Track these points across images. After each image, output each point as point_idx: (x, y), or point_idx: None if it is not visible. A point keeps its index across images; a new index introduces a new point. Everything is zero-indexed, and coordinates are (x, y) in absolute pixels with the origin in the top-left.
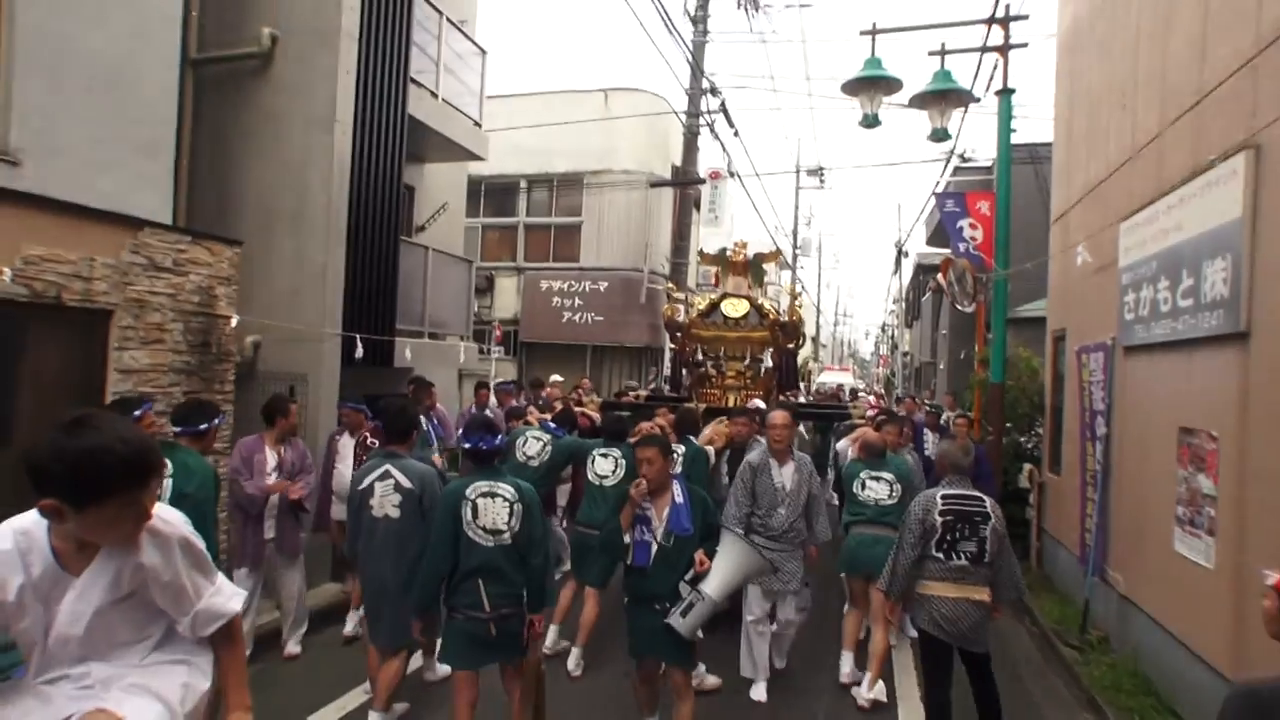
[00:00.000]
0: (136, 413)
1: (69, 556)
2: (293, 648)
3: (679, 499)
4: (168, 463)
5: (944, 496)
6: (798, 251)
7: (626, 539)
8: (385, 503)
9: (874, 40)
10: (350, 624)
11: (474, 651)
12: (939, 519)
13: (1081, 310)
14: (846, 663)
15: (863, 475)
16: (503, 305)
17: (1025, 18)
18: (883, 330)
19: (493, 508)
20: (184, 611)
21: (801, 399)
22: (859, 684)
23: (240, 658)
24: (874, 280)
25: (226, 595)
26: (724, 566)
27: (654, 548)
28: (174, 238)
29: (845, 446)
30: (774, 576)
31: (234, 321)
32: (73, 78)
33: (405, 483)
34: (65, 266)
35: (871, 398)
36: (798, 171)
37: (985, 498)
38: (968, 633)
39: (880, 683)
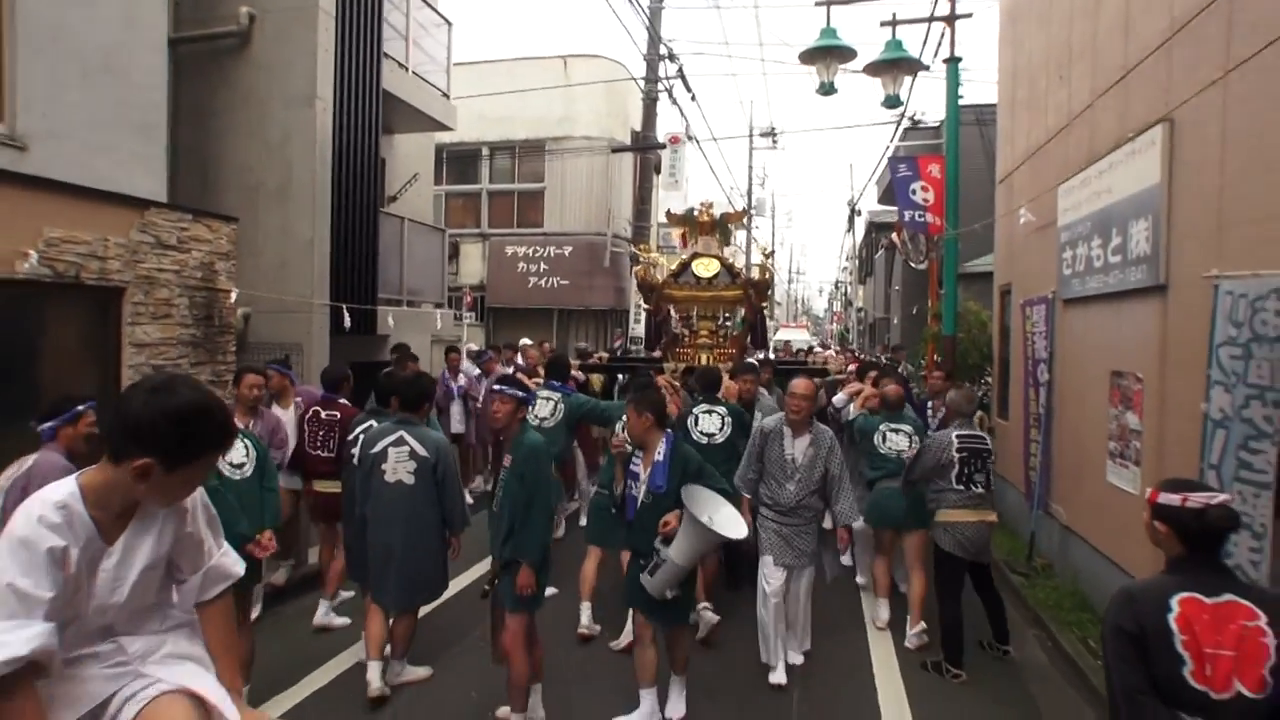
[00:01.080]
0: (80, 407)
1: (107, 525)
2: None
3: (659, 456)
4: None
5: (959, 436)
6: (753, 211)
7: (618, 491)
8: (400, 469)
9: (829, 10)
10: (321, 612)
11: None
12: (956, 455)
13: (1025, 266)
14: (884, 609)
15: (883, 428)
16: (468, 271)
17: None
18: (836, 287)
19: None
20: (197, 567)
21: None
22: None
23: (232, 631)
24: (827, 237)
25: (233, 558)
26: (682, 534)
27: (638, 503)
28: (177, 216)
29: (844, 400)
30: (787, 549)
31: (234, 295)
32: (70, 64)
33: (421, 450)
34: (82, 247)
35: (832, 353)
36: (751, 134)
37: (986, 435)
38: (983, 549)
39: (923, 622)
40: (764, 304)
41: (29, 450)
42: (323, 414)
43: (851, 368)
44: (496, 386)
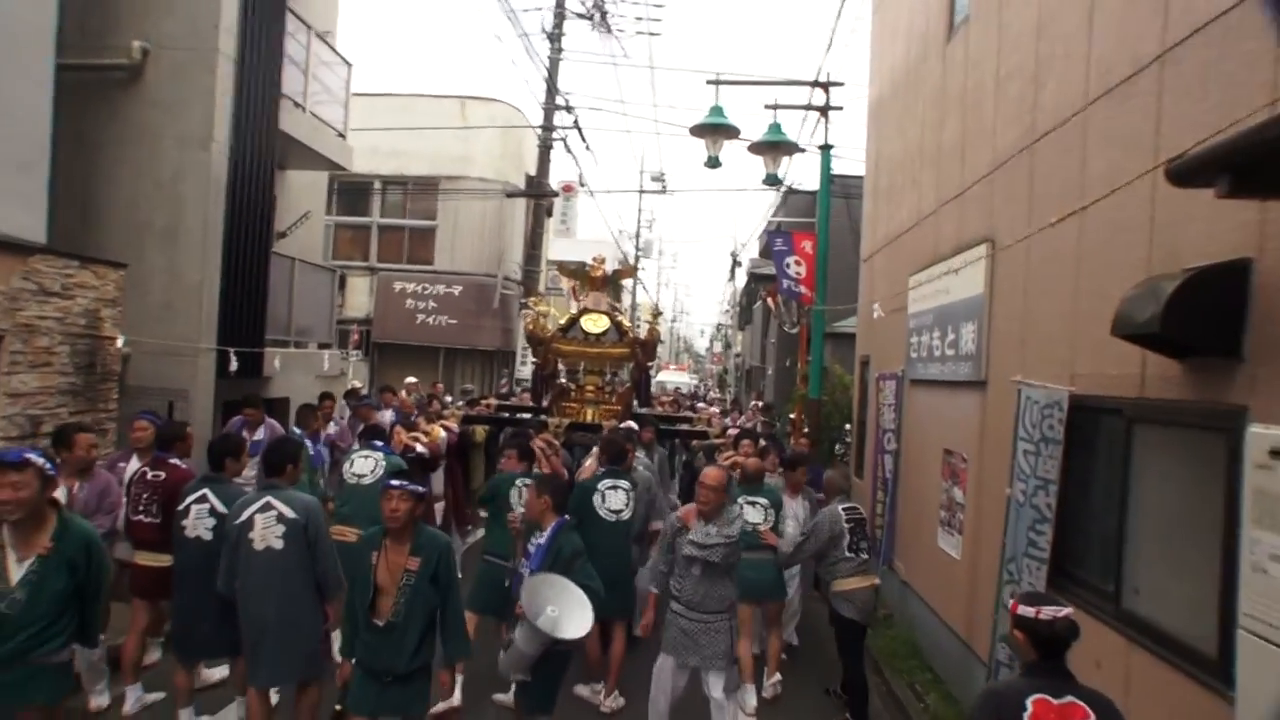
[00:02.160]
0: None
1: None
2: (98, 700)
3: (541, 540)
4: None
5: (845, 509)
6: (640, 253)
7: (512, 565)
8: (268, 534)
9: (717, 90)
10: (131, 701)
11: None
12: (845, 527)
13: (882, 342)
14: (750, 695)
15: (740, 500)
16: (354, 304)
17: (841, 84)
18: (717, 329)
19: None
20: None
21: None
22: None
23: None
24: (710, 278)
25: None
26: (520, 627)
27: (523, 580)
28: (62, 263)
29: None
30: (692, 648)
31: (120, 342)
32: None
33: (289, 513)
34: None
35: (715, 410)
36: (641, 177)
37: (859, 505)
38: (873, 610)
39: (778, 674)
40: (650, 363)
41: None
42: (149, 475)
43: (732, 432)
44: (393, 483)
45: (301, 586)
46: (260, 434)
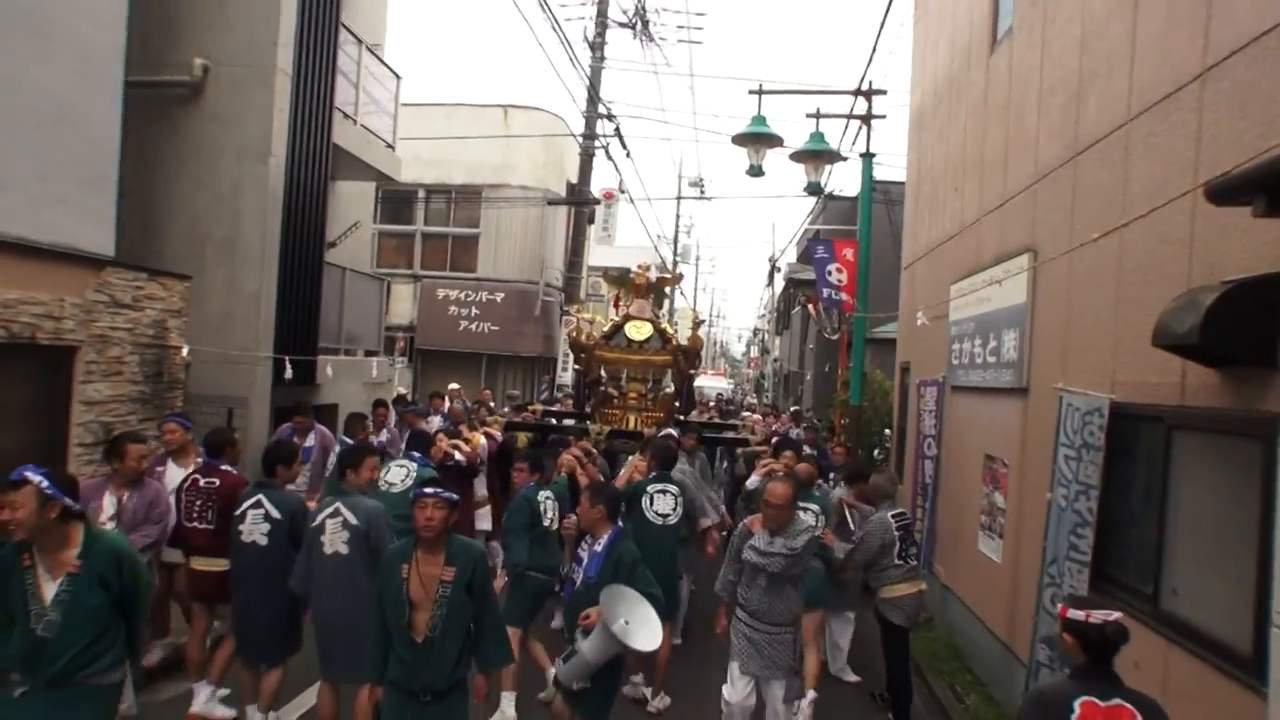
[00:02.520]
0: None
1: None
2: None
3: (599, 548)
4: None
5: (894, 516)
6: (678, 259)
7: (563, 571)
8: (335, 539)
9: (760, 99)
10: (202, 699)
11: None
12: (895, 535)
13: (922, 349)
14: (809, 705)
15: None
16: (399, 312)
17: (884, 92)
18: (754, 334)
19: None
20: None
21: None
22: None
23: None
24: (748, 282)
25: None
26: (595, 632)
27: (575, 587)
28: (132, 275)
29: (757, 482)
30: (755, 656)
31: (185, 351)
32: (22, 116)
33: (353, 520)
34: (38, 307)
35: (758, 418)
36: (680, 183)
37: (905, 511)
38: (919, 616)
39: (813, 691)
40: (692, 370)
41: None
42: (201, 482)
43: (775, 440)
44: (426, 490)
45: (364, 590)
46: (310, 440)
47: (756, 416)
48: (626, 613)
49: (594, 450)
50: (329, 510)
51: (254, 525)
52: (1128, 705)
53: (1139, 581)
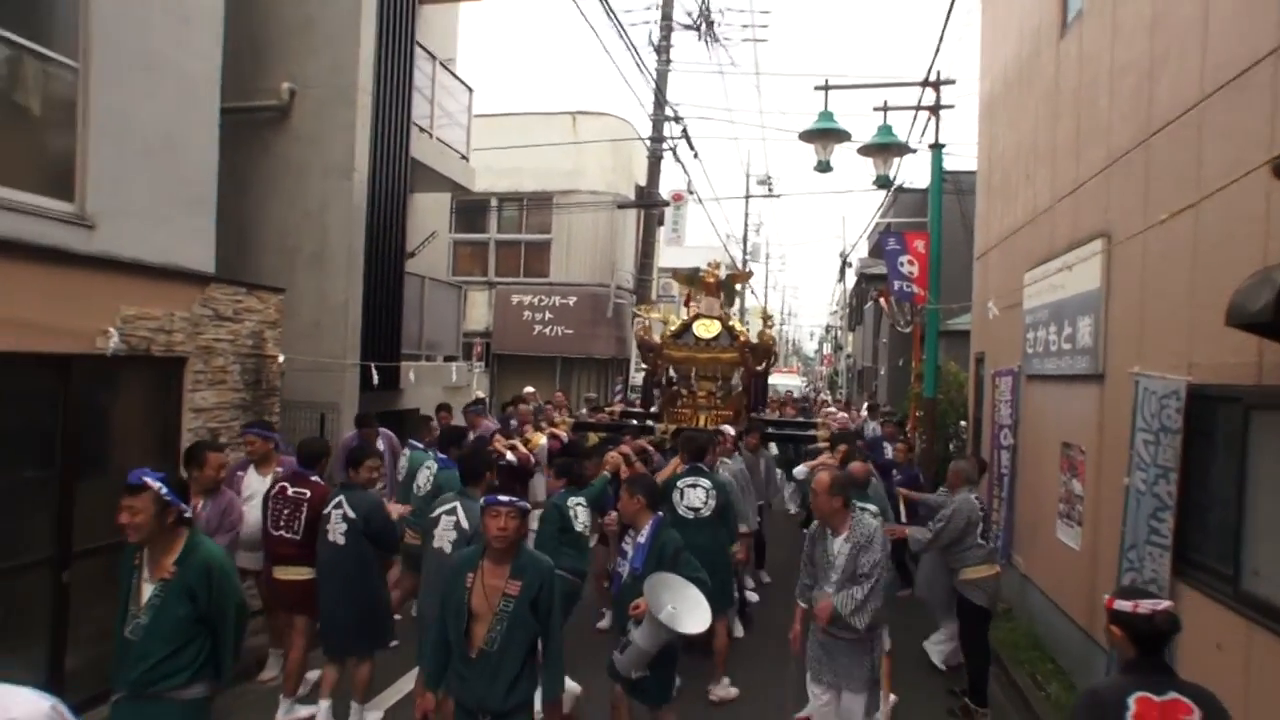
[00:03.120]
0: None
1: None
2: None
3: (642, 538)
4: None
5: (976, 498)
6: (748, 257)
7: (609, 567)
8: (335, 530)
9: (826, 95)
10: (282, 711)
11: None
12: (980, 515)
13: (997, 339)
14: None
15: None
16: (474, 318)
17: (953, 82)
18: (827, 331)
19: None
20: None
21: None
22: None
23: None
24: (818, 280)
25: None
26: (645, 621)
27: (623, 580)
28: (233, 290)
29: (804, 472)
30: (826, 664)
31: (280, 359)
32: (133, 144)
33: (350, 513)
34: (152, 322)
35: (839, 413)
36: (748, 181)
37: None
38: (997, 600)
39: (892, 695)
40: (760, 367)
41: (108, 507)
42: (290, 491)
43: (832, 436)
44: (501, 499)
45: (356, 577)
46: (380, 445)
47: (843, 415)
48: (672, 599)
49: (649, 449)
50: (333, 502)
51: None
52: (1184, 699)
53: (1220, 564)
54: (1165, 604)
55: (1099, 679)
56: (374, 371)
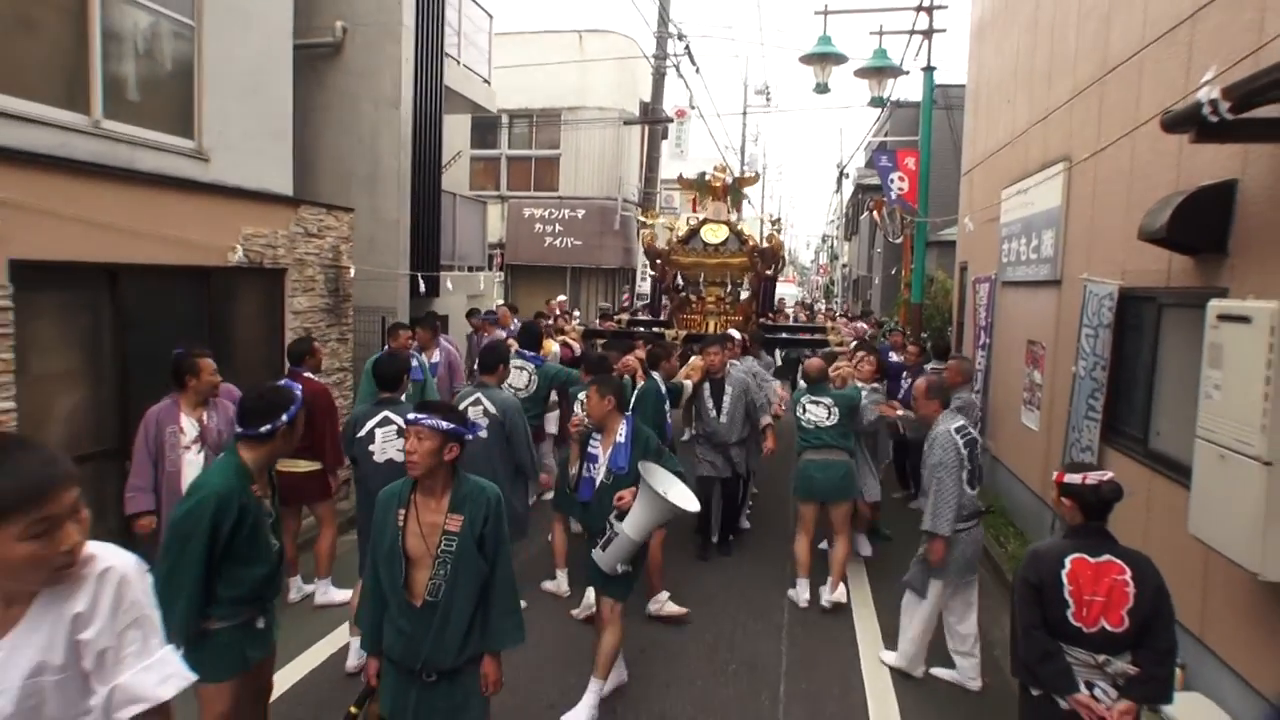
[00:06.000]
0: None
1: None
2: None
3: (620, 438)
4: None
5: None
6: (745, 168)
7: (573, 471)
8: (388, 447)
9: (825, 19)
10: (320, 592)
11: None
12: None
13: (978, 250)
14: (804, 589)
15: (804, 400)
16: (489, 230)
17: (945, 6)
18: (823, 241)
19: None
20: (103, 681)
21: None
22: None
23: None
24: (815, 190)
25: (160, 675)
26: (637, 506)
27: (596, 484)
28: (317, 210)
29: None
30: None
31: (352, 270)
32: (234, 87)
33: (492, 409)
34: (262, 239)
35: (844, 324)
36: (745, 90)
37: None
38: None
39: (841, 585)
40: (769, 271)
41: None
42: None
43: (853, 343)
44: (412, 416)
45: (503, 472)
46: (437, 356)
47: (859, 324)
48: (662, 486)
49: (734, 334)
50: (470, 399)
51: (385, 443)
52: (1117, 560)
53: (1135, 430)
54: (1109, 475)
55: (1043, 540)
56: (420, 280)
